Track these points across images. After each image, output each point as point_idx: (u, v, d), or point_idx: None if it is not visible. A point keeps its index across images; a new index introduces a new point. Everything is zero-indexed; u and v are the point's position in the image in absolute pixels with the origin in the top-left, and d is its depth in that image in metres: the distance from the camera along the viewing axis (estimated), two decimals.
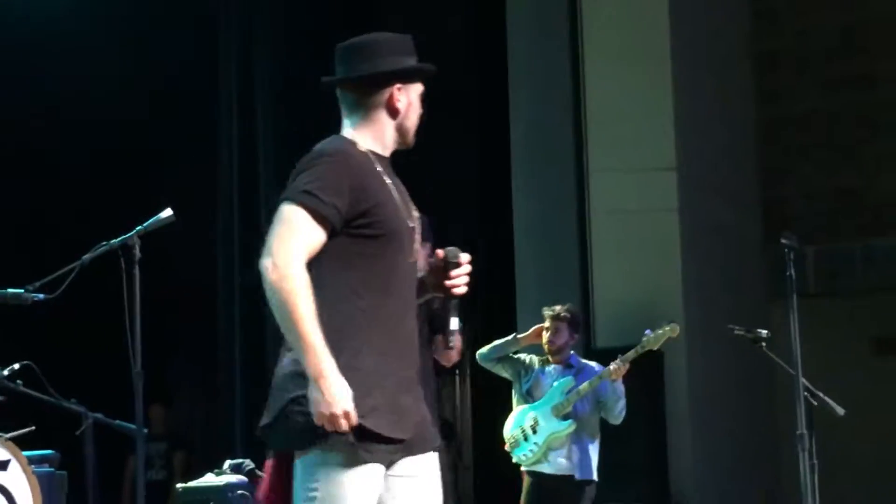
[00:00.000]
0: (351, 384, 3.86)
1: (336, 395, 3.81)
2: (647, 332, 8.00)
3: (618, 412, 8.01)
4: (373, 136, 4.19)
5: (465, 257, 4.25)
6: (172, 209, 6.29)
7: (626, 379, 7.96)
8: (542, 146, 10.84)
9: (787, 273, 6.85)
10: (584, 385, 7.97)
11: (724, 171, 11.33)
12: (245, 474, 8.06)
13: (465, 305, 4.27)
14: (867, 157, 11.91)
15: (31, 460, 6.48)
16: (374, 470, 3.95)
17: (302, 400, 3.87)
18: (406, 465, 4.07)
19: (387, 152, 4.23)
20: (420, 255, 4.23)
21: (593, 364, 8.23)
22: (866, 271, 11.81)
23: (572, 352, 8.28)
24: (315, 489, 3.93)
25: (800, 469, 6.85)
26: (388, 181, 4.14)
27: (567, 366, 8.18)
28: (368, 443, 3.91)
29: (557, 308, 8.19)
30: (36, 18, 11.01)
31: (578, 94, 10.69)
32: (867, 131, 11.93)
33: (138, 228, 6.18)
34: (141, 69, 11.28)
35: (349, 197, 3.98)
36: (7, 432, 6.42)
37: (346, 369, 3.87)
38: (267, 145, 11.19)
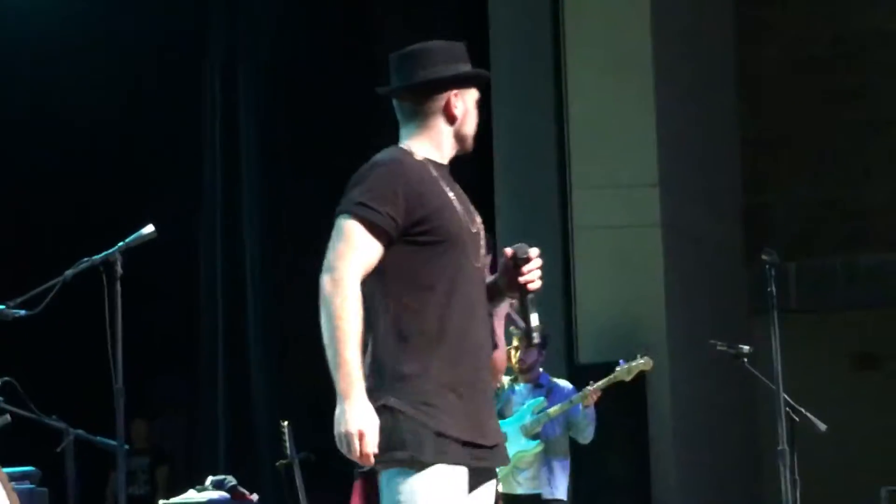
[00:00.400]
0: (423, 391, 3.89)
1: (357, 416, 3.83)
2: (621, 362, 8.04)
3: (587, 434, 8.06)
4: (430, 144, 4.19)
5: (534, 251, 4.24)
6: (156, 224, 6.28)
7: (608, 393, 7.98)
8: (525, 161, 10.84)
9: (769, 289, 6.86)
10: (556, 408, 7.98)
11: (707, 187, 11.35)
12: (227, 491, 8.03)
13: None
14: (850, 172, 11.93)
15: (11, 477, 6.44)
16: (457, 474, 3.92)
17: (382, 411, 3.86)
18: (475, 478, 4.01)
19: (445, 160, 4.23)
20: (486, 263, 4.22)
21: (564, 383, 8.26)
22: (848, 287, 11.83)
23: (542, 370, 8.28)
24: (399, 501, 3.91)
25: (781, 484, 6.86)
26: (447, 188, 4.14)
27: (537, 385, 8.19)
28: (448, 448, 3.89)
29: None
30: (8, 22, 10.96)
31: (561, 110, 10.70)
32: (850, 146, 11.95)
33: (120, 245, 6.16)
34: (123, 80, 11.25)
35: (404, 205, 3.98)
36: None
37: (417, 377, 3.90)
38: (251, 163, 11.16)
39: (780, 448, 6.83)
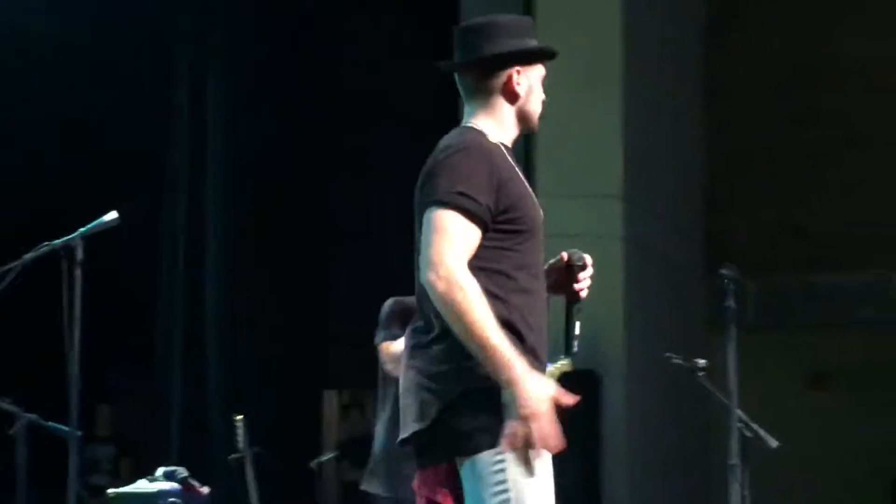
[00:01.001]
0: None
1: (534, 397, 3.68)
2: (549, 364, 8.02)
3: None
4: (494, 123, 4.01)
5: (588, 259, 4.13)
6: (119, 211, 6.25)
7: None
8: None
9: (727, 304, 6.89)
10: None
11: (670, 201, 11.40)
12: (178, 482, 8.01)
13: None
14: (811, 193, 12.02)
15: None
16: (548, 459, 3.81)
17: (473, 396, 3.70)
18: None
19: (509, 140, 4.04)
20: None
21: None
22: (805, 307, 11.91)
23: None
24: (504, 490, 3.73)
25: (731, 499, 6.88)
26: (520, 172, 3.99)
27: None
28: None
29: None
30: None
31: None
32: (812, 167, 12.04)
33: (81, 230, 6.12)
34: (87, 64, 11.21)
35: (495, 193, 3.81)
36: None
37: None
38: (216, 147, 11.13)
39: (731, 462, 6.86)
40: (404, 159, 11.02)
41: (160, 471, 8.15)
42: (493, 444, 3.69)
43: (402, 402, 3.87)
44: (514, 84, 4.00)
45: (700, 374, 7.36)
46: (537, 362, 3.85)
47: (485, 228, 3.78)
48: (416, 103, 11.19)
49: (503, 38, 3.99)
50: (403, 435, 3.83)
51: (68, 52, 11.04)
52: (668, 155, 11.43)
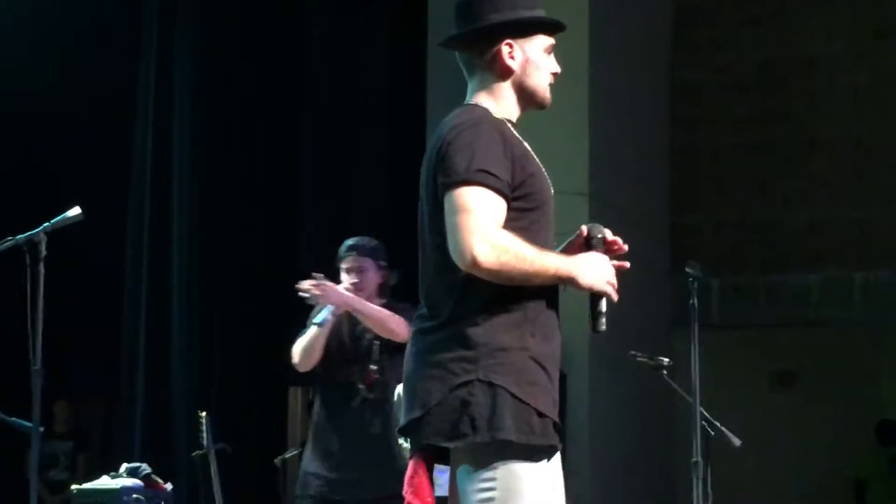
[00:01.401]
0: (521, 366, 3.61)
1: (593, 272, 3.73)
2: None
3: None
4: (494, 100, 3.85)
5: (609, 233, 3.97)
6: (82, 205, 6.21)
7: None
8: None
9: (691, 302, 6.90)
10: None
11: (635, 198, 11.42)
12: (141, 478, 7.99)
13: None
14: (777, 192, 12.07)
15: None
16: (548, 458, 3.70)
17: (474, 385, 3.58)
18: (556, 459, 3.78)
19: (514, 116, 3.89)
20: None
21: None
22: (769, 306, 11.96)
23: None
24: (491, 487, 3.61)
25: (693, 498, 6.90)
26: (528, 147, 3.84)
27: None
28: (547, 429, 3.65)
29: None
30: None
31: None
32: (778, 167, 12.10)
33: (45, 225, 6.06)
34: (54, 55, 11.18)
35: (511, 169, 3.68)
36: None
37: (516, 350, 3.62)
38: (182, 142, 11.09)
39: (693, 460, 6.88)
40: (368, 176, 11.08)
41: (123, 467, 8.14)
42: (490, 437, 3.59)
43: (403, 388, 3.78)
44: (505, 57, 3.83)
45: (664, 372, 7.37)
46: (546, 343, 3.74)
47: (507, 203, 3.67)
48: (377, 115, 11.21)
49: (496, 11, 3.80)
50: (403, 422, 3.73)
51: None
52: (634, 152, 11.46)
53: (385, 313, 6.63)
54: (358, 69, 11.51)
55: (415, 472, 3.74)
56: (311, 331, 6.68)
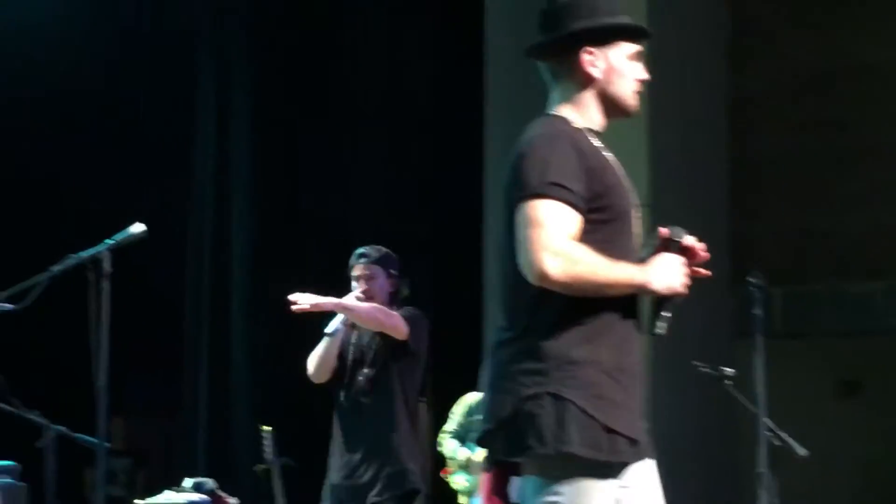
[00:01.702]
0: (591, 380, 3.59)
1: (666, 276, 3.75)
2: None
3: None
4: (577, 110, 3.82)
5: (688, 238, 3.96)
6: (145, 221, 6.23)
7: None
8: None
9: (754, 312, 6.87)
10: None
11: (694, 209, 11.36)
12: (206, 493, 8.01)
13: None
14: (837, 199, 11.98)
15: None
16: (616, 475, 3.68)
17: (544, 398, 3.57)
18: (632, 474, 3.78)
19: (597, 126, 3.86)
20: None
21: None
22: (833, 314, 11.86)
23: None
24: (556, 501, 3.60)
25: None
26: (609, 157, 3.81)
27: None
28: (617, 445, 3.64)
29: None
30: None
31: None
32: (837, 174, 12.01)
33: (108, 242, 6.10)
34: (119, 78, 11.26)
35: (587, 182, 3.66)
36: None
37: (588, 364, 3.60)
38: (241, 158, 11.13)
39: (758, 471, 6.84)
40: (422, 189, 11.03)
41: (188, 482, 8.16)
42: (555, 449, 3.57)
43: (483, 398, 3.79)
44: (586, 66, 3.79)
45: (727, 382, 7.34)
46: (623, 355, 3.74)
47: (583, 216, 3.65)
48: (435, 127, 11.19)
49: (577, 19, 3.75)
50: (479, 434, 3.75)
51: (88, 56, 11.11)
52: (692, 163, 11.42)
53: (372, 307, 6.64)
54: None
55: (490, 486, 3.76)
56: (323, 342, 6.71)
